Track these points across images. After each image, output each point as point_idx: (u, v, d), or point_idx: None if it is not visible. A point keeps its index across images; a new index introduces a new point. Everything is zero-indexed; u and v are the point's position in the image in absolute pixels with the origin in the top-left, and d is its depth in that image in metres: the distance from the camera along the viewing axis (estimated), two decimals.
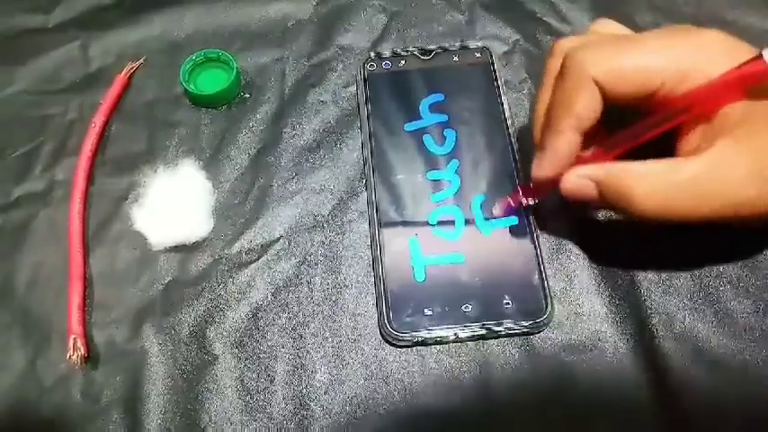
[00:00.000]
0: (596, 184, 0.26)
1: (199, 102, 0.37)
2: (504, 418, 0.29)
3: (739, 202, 0.24)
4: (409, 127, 0.35)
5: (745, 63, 0.23)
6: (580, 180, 0.27)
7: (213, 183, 0.35)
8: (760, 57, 0.23)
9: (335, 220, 0.34)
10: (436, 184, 0.33)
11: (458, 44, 0.38)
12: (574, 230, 0.33)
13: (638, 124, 0.26)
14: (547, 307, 0.30)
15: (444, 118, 0.35)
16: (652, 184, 0.25)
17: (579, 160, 0.28)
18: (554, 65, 0.28)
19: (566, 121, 0.27)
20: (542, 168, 0.28)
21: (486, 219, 0.32)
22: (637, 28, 0.29)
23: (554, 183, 0.28)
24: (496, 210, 0.32)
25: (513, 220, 0.32)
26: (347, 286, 0.32)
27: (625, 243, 0.32)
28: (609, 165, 0.26)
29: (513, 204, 0.32)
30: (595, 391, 0.29)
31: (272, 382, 0.30)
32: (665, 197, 0.25)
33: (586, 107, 0.26)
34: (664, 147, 0.27)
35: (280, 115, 0.37)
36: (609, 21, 0.29)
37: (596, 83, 0.26)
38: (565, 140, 0.27)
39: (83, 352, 0.30)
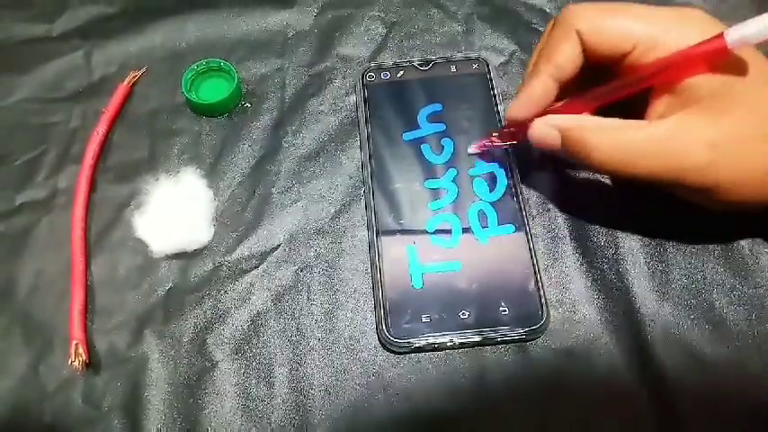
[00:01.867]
0: (560, 134, 0.28)
1: (200, 111, 0.38)
2: (501, 423, 0.29)
3: (690, 168, 0.26)
4: (407, 136, 0.35)
5: (707, 40, 0.25)
6: (546, 128, 0.29)
7: (214, 191, 0.35)
8: (721, 35, 0.24)
9: (334, 228, 0.34)
10: (434, 192, 0.34)
11: (455, 55, 0.38)
12: (569, 240, 0.33)
13: (605, 85, 0.28)
14: (543, 314, 0.30)
15: (442, 127, 0.35)
16: (610, 138, 0.27)
17: (550, 111, 0.30)
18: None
19: (545, 67, 0.29)
20: (516, 109, 0.30)
21: (484, 227, 0.32)
22: None
23: (524, 128, 0.30)
24: (471, 148, 0.34)
25: (510, 228, 0.32)
26: (346, 293, 0.32)
27: (620, 249, 0.32)
28: (574, 116, 0.29)
29: (487, 145, 0.34)
30: (591, 398, 0.29)
31: (271, 387, 0.30)
32: (621, 152, 0.27)
33: (566, 57, 0.29)
34: (634, 116, 0.28)
35: (280, 124, 0.38)
36: None
37: (579, 36, 0.28)
38: (540, 84, 0.29)
39: (84, 358, 0.30)
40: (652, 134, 0.26)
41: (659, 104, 0.27)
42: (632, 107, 0.28)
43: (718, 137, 0.25)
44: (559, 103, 0.30)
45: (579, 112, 0.29)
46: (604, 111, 0.29)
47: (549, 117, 0.29)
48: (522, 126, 0.30)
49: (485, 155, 0.34)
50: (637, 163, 0.26)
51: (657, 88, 0.28)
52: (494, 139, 0.33)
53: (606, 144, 0.27)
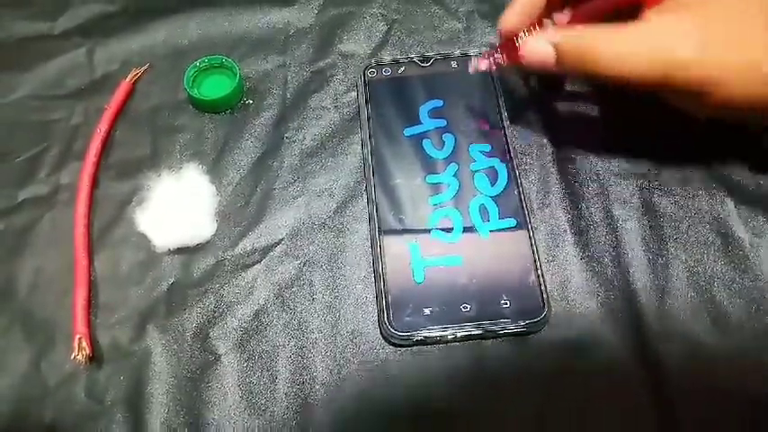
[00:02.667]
0: (555, 48, 0.29)
1: (202, 107, 0.38)
2: (502, 415, 0.29)
3: (679, 63, 0.27)
4: (409, 132, 0.36)
5: None
6: (541, 45, 0.30)
7: (216, 186, 0.35)
8: None
9: (336, 223, 0.34)
10: (435, 187, 0.34)
11: (456, 51, 0.38)
12: (570, 232, 0.33)
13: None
14: (544, 307, 0.30)
15: (443, 123, 0.36)
16: (601, 41, 0.28)
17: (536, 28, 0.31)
18: None
19: None
20: (508, 20, 0.32)
21: (485, 221, 0.33)
22: None
23: (517, 49, 0.31)
24: (471, 68, 0.35)
25: (511, 222, 0.32)
26: (348, 287, 0.32)
27: (621, 243, 0.33)
28: (567, 30, 0.30)
29: (488, 62, 0.33)
30: (591, 390, 0.29)
31: (274, 381, 0.30)
32: (612, 53, 0.28)
33: None
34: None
35: (282, 120, 0.38)
36: None
37: None
38: None
39: (87, 352, 0.31)
40: (641, 32, 0.28)
41: (651, 14, 0.28)
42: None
43: (705, 35, 0.27)
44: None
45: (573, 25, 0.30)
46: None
47: (542, 33, 0.30)
48: (514, 47, 0.31)
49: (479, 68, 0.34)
50: (627, 62, 0.27)
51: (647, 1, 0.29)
52: (489, 56, 0.33)
53: (599, 48, 0.28)
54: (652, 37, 0.28)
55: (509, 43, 0.32)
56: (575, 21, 0.31)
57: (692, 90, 0.28)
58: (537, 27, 0.31)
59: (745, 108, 0.28)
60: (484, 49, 0.38)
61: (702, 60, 0.27)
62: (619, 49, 0.28)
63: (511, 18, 0.31)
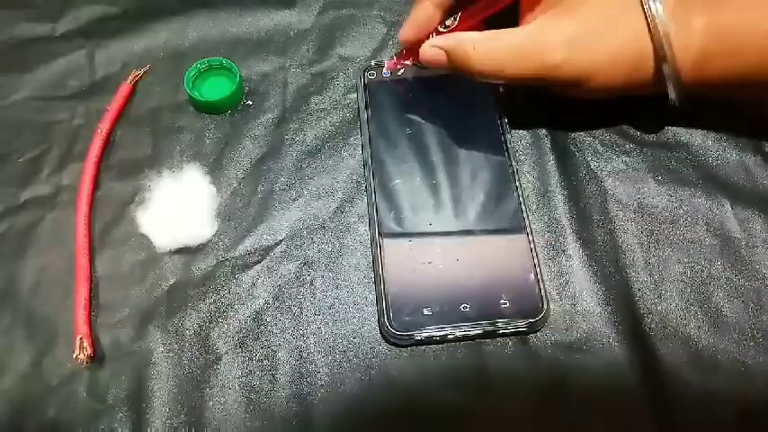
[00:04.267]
0: (445, 51, 0.32)
1: (203, 108, 0.38)
2: (502, 415, 0.29)
3: (550, 65, 0.30)
4: (408, 133, 0.36)
5: None
6: (432, 49, 0.33)
7: (217, 187, 0.36)
8: None
9: (336, 224, 0.34)
10: (434, 187, 0.34)
11: None
12: (569, 232, 0.33)
13: (480, 3, 0.33)
14: (543, 306, 0.30)
15: (442, 124, 0.36)
16: (482, 48, 0.31)
17: (439, 33, 0.34)
18: None
19: None
20: (405, 32, 0.35)
21: (484, 221, 0.33)
22: None
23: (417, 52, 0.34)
24: (384, 68, 0.38)
25: (510, 222, 0.33)
26: (348, 287, 0.33)
27: (619, 243, 0.33)
28: (454, 34, 0.32)
29: (396, 65, 0.38)
30: (591, 390, 0.30)
31: (274, 381, 0.31)
32: (494, 58, 0.31)
33: None
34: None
35: (282, 122, 0.38)
36: None
37: None
38: (423, 10, 0.34)
39: (89, 351, 0.31)
40: (514, 39, 0.31)
41: (528, 13, 0.32)
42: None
43: (572, 34, 0.30)
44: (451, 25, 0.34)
45: (465, 29, 0.33)
46: (495, 26, 0.32)
47: (433, 39, 0.33)
48: (413, 45, 0.35)
49: (394, 73, 0.38)
50: (505, 66, 0.31)
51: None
52: (399, 58, 0.37)
53: (480, 53, 0.31)
54: (525, 43, 0.30)
55: (411, 49, 0.36)
56: (463, 26, 0.33)
57: (568, 84, 0.31)
58: (434, 34, 0.34)
59: (619, 91, 0.32)
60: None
61: (573, 59, 0.30)
62: (498, 55, 0.31)
63: (408, 31, 0.35)
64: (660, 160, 0.35)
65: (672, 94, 0.31)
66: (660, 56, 0.29)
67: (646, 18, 0.29)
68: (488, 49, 0.31)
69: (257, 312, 0.32)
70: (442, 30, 0.34)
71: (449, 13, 0.34)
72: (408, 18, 0.35)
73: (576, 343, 0.31)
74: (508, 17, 0.33)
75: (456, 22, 0.33)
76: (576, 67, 0.30)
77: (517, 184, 0.34)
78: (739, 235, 0.33)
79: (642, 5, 0.29)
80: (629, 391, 0.29)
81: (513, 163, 0.34)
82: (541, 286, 0.31)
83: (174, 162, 0.37)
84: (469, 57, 0.31)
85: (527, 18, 0.33)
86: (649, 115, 0.36)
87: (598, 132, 0.36)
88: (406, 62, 0.37)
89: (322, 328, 0.32)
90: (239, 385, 0.30)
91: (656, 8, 0.29)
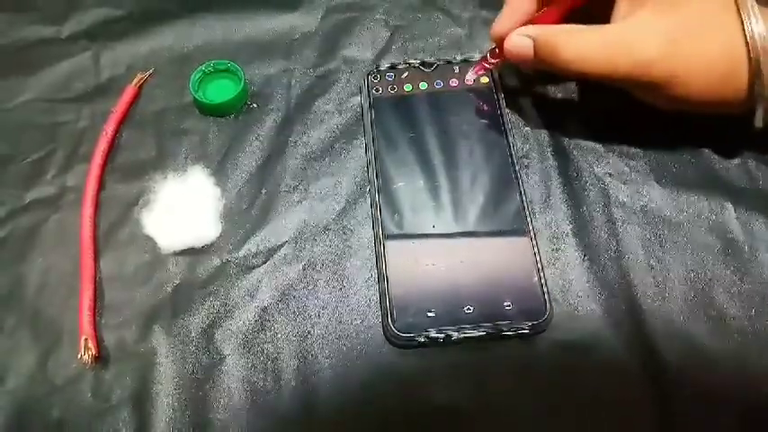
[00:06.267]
0: (533, 42, 0.31)
1: (207, 111, 0.38)
2: (505, 417, 0.29)
3: (646, 60, 0.29)
4: (411, 136, 0.36)
5: None
6: (520, 38, 0.32)
7: (221, 189, 0.36)
8: None
9: (340, 226, 0.35)
10: (437, 190, 0.34)
11: (458, 57, 0.39)
12: (572, 235, 0.34)
13: None
14: (546, 309, 0.31)
15: (445, 127, 0.36)
16: (574, 39, 0.30)
17: (530, 21, 0.33)
18: None
19: None
20: (501, 24, 0.34)
21: (487, 224, 0.33)
22: None
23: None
24: (469, 76, 0.37)
25: (513, 224, 0.33)
26: (351, 289, 0.33)
27: (621, 245, 0.33)
28: (545, 26, 0.32)
29: (483, 69, 0.36)
30: (593, 391, 0.30)
31: (278, 382, 0.31)
32: (585, 52, 0.30)
33: None
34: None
35: (286, 124, 0.38)
36: None
37: None
38: (518, 1, 0.33)
39: (93, 352, 0.31)
40: (607, 33, 0.30)
41: (621, 8, 0.31)
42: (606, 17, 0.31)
43: (671, 31, 0.28)
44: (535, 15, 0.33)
45: (552, 20, 0.32)
46: (581, 21, 0.31)
47: (522, 28, 0.32)
48: (502, 47, 0.33)
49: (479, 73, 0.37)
50: (598, 59, 0.29)
51: None
52: (485, 62, 0.36)
53: (572, 45, 0.30)
54: (622, 35, 0.29)
55: (499, 44, 0.34)
56: (547, 18, 0.32)
57: (659, 84, 0.29)
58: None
59: (705, 105, 0.30)
60: (479, 55, 0.39)
61: (671, 55, 0.28)
62: (591, 47, 0.30)
63: (504, 24, 0.33)
64: (662, 163, 0.35)
65: (758, 122, 0.30)
66: (754, 73, 0.28)
67: (744, 32, 0.28)
68: (580, 42, 0.30)
69: (261, 313, 0.32)
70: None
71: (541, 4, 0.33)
72: (502, 11, 0.34)
73: (580, 345, 0.31)
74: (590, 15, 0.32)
75: (541, 13, 0.32)
76: (669, 68, 0.29)
77: (520, 186, 0.34)
78: (741, 237, 0.33)
79: (741, 19, 0.28)
80: (632, 393, 0.30)
81: (516, 165, 0.35)
82: (544, 288, 0.31)
83: (178, 164, 0.37)
84: (559, 48, 0.30)
85: (620, 14, 0.31)
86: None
87: (601, 135, 0.36)
88: (492, 62, 0.35)
89: (326, 330, 0.32)
90: (243, 386, 0.31)
91: (755, 25, 0.28)
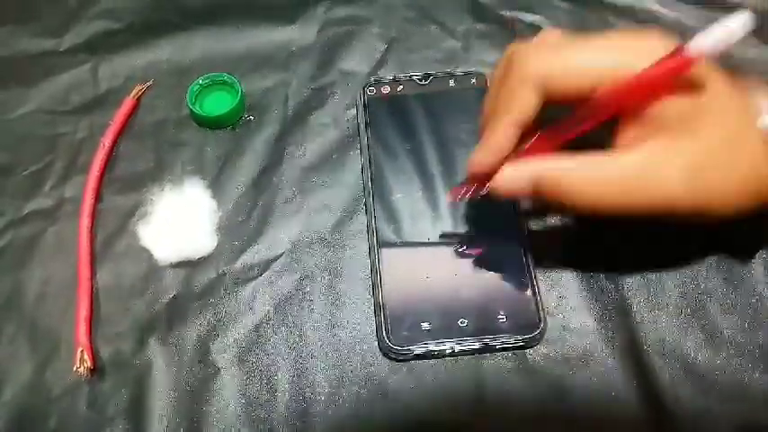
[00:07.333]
0: (531, 179, 0.27)
1: (205, 123, 0.39)
2: (499, 430, 0.30)
3: (667, 199, 0.25)
4: (407, 148, 0.36)
5: (667, 56, 0.23)
6: (515, 176, 0.27)
7: (218, 201, 0.36)
8: (680, 49, 0.22)
9: (336, 238, 0.35)
10: (433, 202, 0.34)
11: (454, 70, 0.39)
12: (566, 249, 0.34)
13: (566, 121, 0.27)
14: (540, 322, 0.31)
15: (441, 139, 0.36)
16: (584, 176, 0.26)
17: (518, 154, 0.28)
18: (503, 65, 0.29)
19: (505, 117, 0.27)
20: (480, 158, 0.29)
21: (482, 236, 0.33)
22: None
23: (487, 178, 0.28)
24: (448, 198, 0.34)
25: (508, 237, 0.33)
26: (347, 301, 0.33)
27: (616, 259, 0.33)
28: (542, 160, 0.27)
29: (464, 195, 0.32)
30: (587, 405, 0.30)
31: (273, 394, 0.31)
32: (598, 189, 0.25)
33: (525, 104, 0.26)
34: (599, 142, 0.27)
35: (282, 136, 0.38)
36: (555, 30, 0.29)
37: (536, 81, 0.26)
38: (502, 134, 0.27)
39: (89, 364, 0.31)
40: (622, 167, 0.25)
41: (628, 132, 0.26)
42: (599, 137, 0.27)
43: (691, 162, 0.25)
44: (524, 146, 0.28)
45: (543, 151, 0.28)
46: (569, 146, 0.27)
47: (517, 164, 0.27)
48: (484, 176, 0.29)
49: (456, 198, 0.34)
50: (611, 199, 0.25)
51: (624, 116, 0.26)
52: (466, 189, 0.32)
53: (579, 184, 0.26)
54: (640, 173, 0.25)
55: (478, 176, 0.29)
56: (536, 150, 0.28)
57: (680, 218, 0.26)
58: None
59: (732, 219, 0.26)
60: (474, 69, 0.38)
61: (694, 189, 0.25)
62: (593, 182, 0.26)
63: (484, 156, 0.28)
64: None
65: None
66: None
67: None
68: (590, 179, 0.26)
69: (257, 325, 0.33)
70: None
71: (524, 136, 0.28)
72: (483, 143, 0.28)
73: (573, 358, 0.31)
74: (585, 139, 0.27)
75: (529, 146, 0.28)
76: (700, 197, 0.25)
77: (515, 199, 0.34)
78: (736, 251, 0.33)
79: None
80: (625, 407, 0.30)
81: None
82: (539, 301, 0.31)
83: (175, 176, 0.37)
84: (564, 187, 0.26)
85: (627, 138, 0.26)
86: None
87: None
88: (472, 191, 0.31)
89: (321, 342, 0.32)
90: (238, 398, 0.31)
91: None
